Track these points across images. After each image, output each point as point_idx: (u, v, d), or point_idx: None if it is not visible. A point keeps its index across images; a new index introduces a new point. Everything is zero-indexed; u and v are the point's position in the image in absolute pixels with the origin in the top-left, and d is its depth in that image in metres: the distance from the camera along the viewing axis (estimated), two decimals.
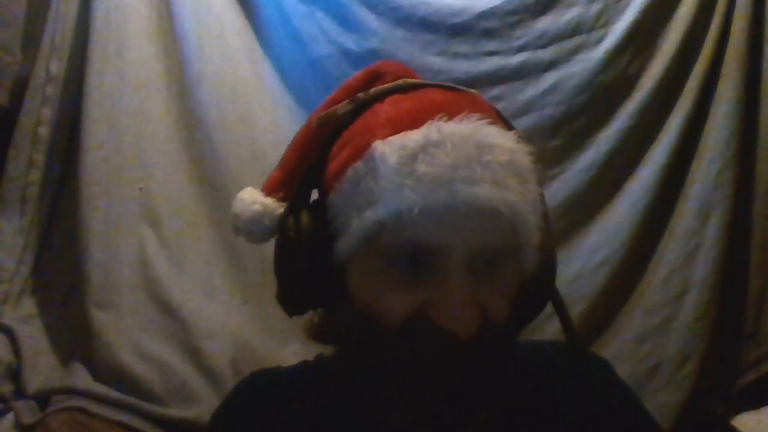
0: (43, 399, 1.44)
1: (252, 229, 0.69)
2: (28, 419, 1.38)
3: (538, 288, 0.66)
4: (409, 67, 0.73)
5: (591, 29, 1.68)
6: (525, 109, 1.68)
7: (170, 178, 1.65)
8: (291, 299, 0.67)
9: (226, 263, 1.63)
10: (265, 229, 0.68)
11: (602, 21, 1.68)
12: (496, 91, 1.69)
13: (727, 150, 1.63)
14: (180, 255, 1.62)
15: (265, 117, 1.70)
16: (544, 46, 1.68)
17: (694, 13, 1.65)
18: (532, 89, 1.68)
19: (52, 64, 1.61)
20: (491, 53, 1.69)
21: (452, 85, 0.67)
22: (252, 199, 0.69)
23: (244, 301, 1.61)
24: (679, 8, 1.66)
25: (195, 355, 1.52)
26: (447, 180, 0.57)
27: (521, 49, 1.69)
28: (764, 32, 1.65)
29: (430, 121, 0.60)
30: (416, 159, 0.58)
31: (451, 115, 0.60)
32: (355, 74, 0.72)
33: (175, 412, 1.45)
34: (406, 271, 0.59)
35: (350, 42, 1.69)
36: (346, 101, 0.68)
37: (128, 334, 1.52)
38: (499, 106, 1.69)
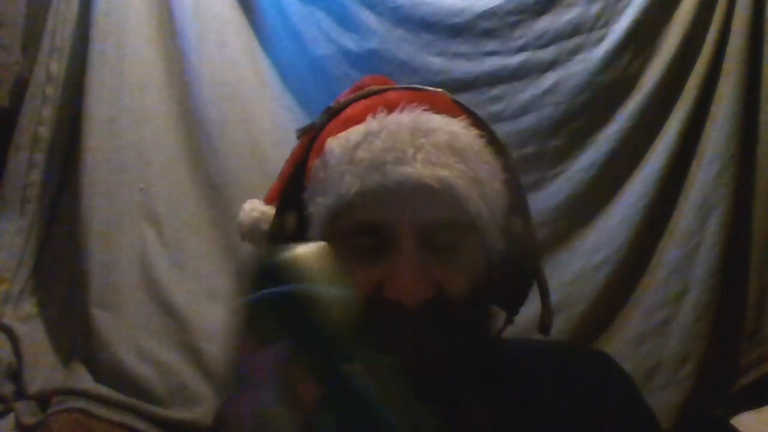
0: (43, 399, 1.44)
1: (252, 234, 0.75)
2: (28, 420, 1.38)
3: (520, 267, 0.69)
4: (391, 80, 0.79)
5: (591, 29, 1.68)
6: (525, 109, 1.68)
7: (170, 178, 1.65)
8: None
9: (227, 263, 1.63)
10: (263, 234, 0.73)
11: (602, 21, 1.68)
12: (496, 91, 1.69)
13: (727, 150, 1.63)
14: (180, 255, 1.62)
15: (265, 117, 1.70)
16: (544, 46, 1.68)
17: (694, 13, 1.65)
18: (532, 89, 1.68)
19: (52, 64, 1.61)
20: (491, 53, 1.69)
21: (419, 86, 0.73)
22: (252, 207, 0.76)
23: None
24: (679, 8, 1.66)
25: (195, 356, 1.52)
26: (380, 162, 0.63)
27: (521, 49, 1.69)
28: (764, 32, 1.65)
29: (371, 114, 0.66)
30: (357, 148, 0.64)
31: (399, 105, 0.66)
32: (344, 92, 0.78)
33: (175, 413, 1.45)
34: (365, 252, 0.64)
35: (350, 42, 1.69)
36: (322, 112, 0.74)
37: (129, 335, 1.52)
38: (499, 106, 1.72)
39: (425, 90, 0.71)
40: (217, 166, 1.66)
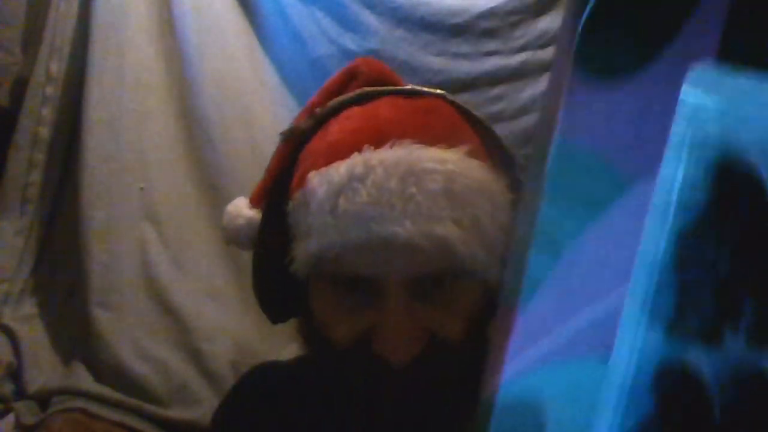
0: (43, 399, 1.44)
1: (239, 241, 0.72)
2: (28, 420, 1.38)
3: None
4: (384, 64, 0.72)
5: None
6: (525, 109, 1.68)
7: (170, 178, 1.65)
8: (267, 309, 0.72)
9: (227, 263, 1.63)
10: (249, 240, 0.71)
11: None
12: (496, 91, 1.68)
13: None
14: (181, 255, 1.62)
15: (265, 117, 1.70)
16: (544, 46, 1.68)
17: None
18: (532, 89, 1.68)
19: (52, 64, 1.61)
20: (491, 53, 1.69)
21: (415, 89, 0.67)
22: (236, 212, 0.71)
23: (245, 301, 1.61)
24: None
25: (195, 356, 1.52)
26: (365, 218, 0.57)
27: (521, 49, 1.69)
28: None
29: (356, 152, 0.59)
30: (340, 194, 0.58)
31: (389, 137, 0.59)
32: (334, 75, 0.71)
33: (176, 413, 1.45)
34: (350, 297, 0.60)
35: (350, 42, 1.69)
36: (308, 116, 0.68)
37: (129, 335, 1.52)
38: (499, 106, 1.72)
39: (423, 95, 0.66)
40: (217, 166, 1.66)
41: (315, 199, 0.60)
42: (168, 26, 1.66)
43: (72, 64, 1.62)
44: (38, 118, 1.60)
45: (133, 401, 1.45)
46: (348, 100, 0.66)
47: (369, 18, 1.69)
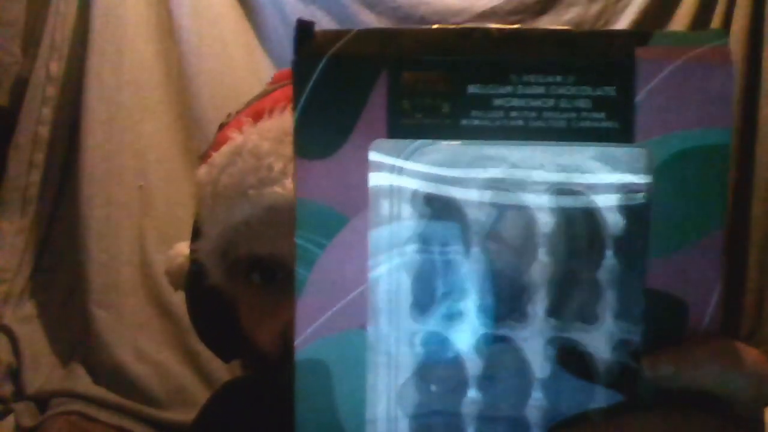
0: (42, 400, 1.44)
1: (182, 283, 0.65)
2: (27, 422, 1.38)
3: None
4: None
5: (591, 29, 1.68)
6: None
7: (170, 177, 1.65)
8: (215, 348, 0.66)
9: None
10: None
11: (602, 21, 1.67)
12: None
13: None
14: None
15: None
16: None
17: (694, 13, 1.64)
18: None
19: (52, 64, 1.61)
20: None
21: None
22: (176, 253, 0.66)
23: None
24: (679, 8, 1.66)
25: (194, 358, 1.52)
26: (244, 188, 0.52)
27: None
28: (764, 32, 1.65)
29: (234, 129, 0.56)
30: (222, 174, 0.55)
31: (269, 111, 0.55)
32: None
33: (174, 415, 1.45)
34: (265, 295, 0.55)
35: None
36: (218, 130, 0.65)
37: (128, 335, 1.52)
38: None
39: None
40: None
41: (201, 188, 0.56)
42: (167, 26, 1.66)
43: (72, 64, 1.62)
44: (38, 118, 1.60)
45: (131, 404, 1.45)
46: (250, 101, 0.64)
47: (369, 18, 1.69)
